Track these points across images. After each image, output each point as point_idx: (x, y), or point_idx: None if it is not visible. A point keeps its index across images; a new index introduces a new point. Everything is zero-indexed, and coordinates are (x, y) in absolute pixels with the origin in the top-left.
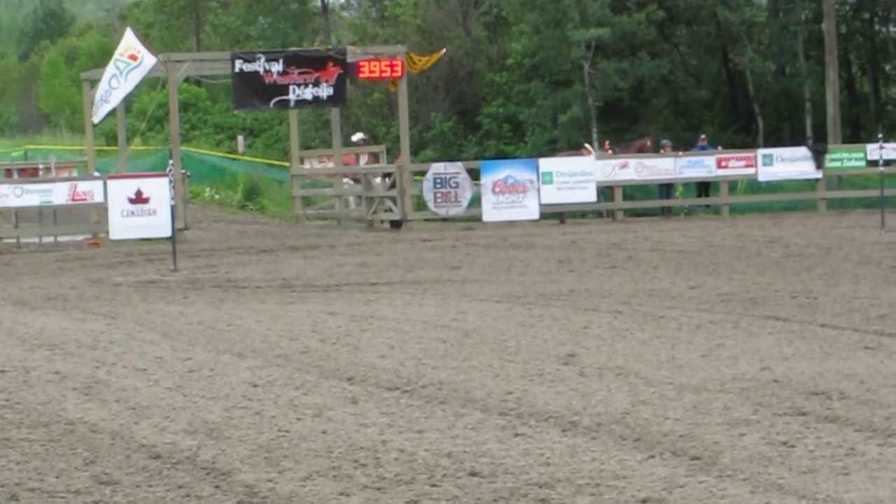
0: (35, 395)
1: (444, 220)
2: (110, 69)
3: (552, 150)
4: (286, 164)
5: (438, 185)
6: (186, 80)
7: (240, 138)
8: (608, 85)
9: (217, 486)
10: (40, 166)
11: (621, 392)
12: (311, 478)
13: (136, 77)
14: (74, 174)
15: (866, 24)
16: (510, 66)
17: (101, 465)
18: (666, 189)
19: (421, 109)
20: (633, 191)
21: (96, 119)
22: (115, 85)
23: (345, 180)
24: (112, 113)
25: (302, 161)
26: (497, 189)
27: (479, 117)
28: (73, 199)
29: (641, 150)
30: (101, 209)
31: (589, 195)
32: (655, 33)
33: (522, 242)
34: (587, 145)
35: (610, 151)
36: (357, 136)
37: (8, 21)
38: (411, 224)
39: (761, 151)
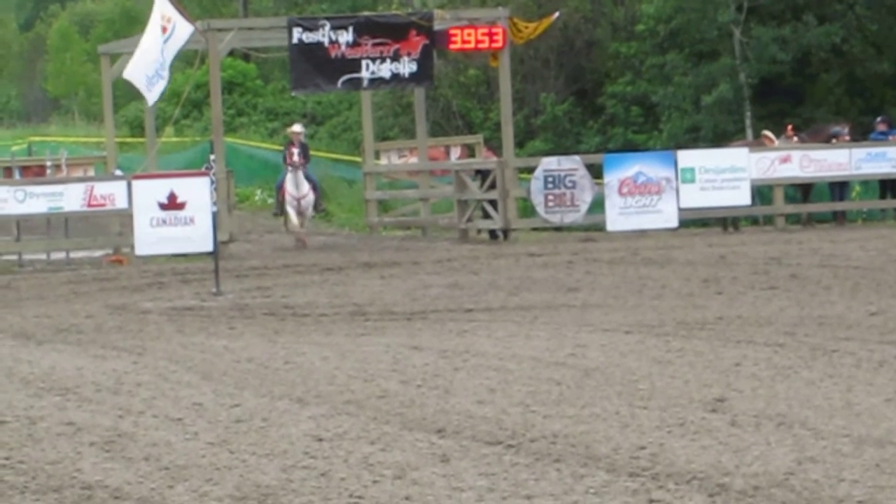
0: (43, 453)
1: (558, 229)
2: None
3: (694, 139)
4: (357, 159)
5: (550, 186)
6: (231, 53)
7: (297, 126)
8: (765, 57)
9: None
10: (48, 164)
11: (783, 447)
12: None
13: (168, 53)
14: (91, 173)
15: None
16: (640, 34)
17: None
18: (840, 189)
19: (528, 89)
20: (798, 191)
21: (151, 98)
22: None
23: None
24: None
25: (377, 156)
26: (625, 190)
27: (602, 99)
28: (90, 205)
29: (835, 138)
30: (125, 217)
31: (741, 197)
32: None
33: (657, 257)
34: (767, 132)
35: (795, 139)
36: (297, 128)
37: None
38: (516, 235)
39: None
